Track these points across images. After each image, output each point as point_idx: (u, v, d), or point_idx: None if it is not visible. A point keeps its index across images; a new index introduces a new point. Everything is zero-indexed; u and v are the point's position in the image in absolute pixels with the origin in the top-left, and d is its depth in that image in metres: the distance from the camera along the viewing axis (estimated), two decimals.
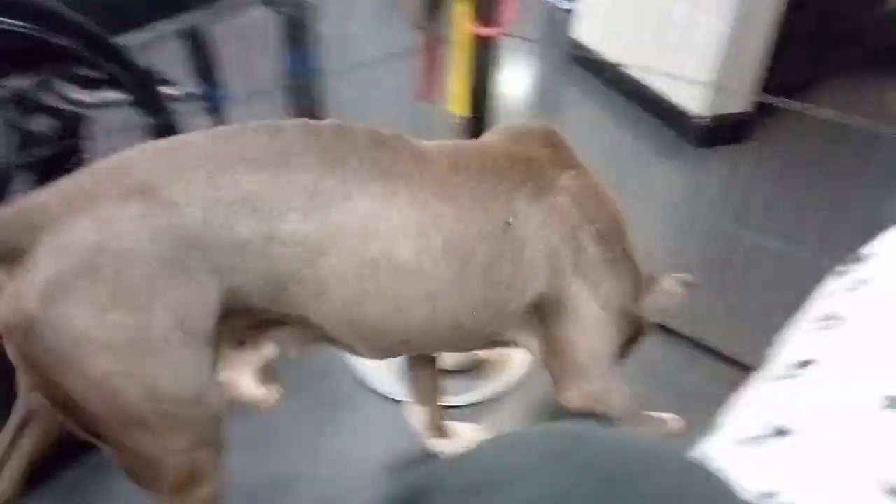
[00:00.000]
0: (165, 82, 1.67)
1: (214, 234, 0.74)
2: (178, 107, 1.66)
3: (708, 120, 2.40)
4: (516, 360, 1.51)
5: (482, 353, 1.48)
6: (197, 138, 0.79)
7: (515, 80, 1.60)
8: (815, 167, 2.02)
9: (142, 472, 0.79)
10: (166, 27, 1.33)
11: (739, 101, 2.43)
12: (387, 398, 1.41)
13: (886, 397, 0.58)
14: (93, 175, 0.75)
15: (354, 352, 0.93)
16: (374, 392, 1.42)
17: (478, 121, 1.70)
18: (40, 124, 1.20)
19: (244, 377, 0.86)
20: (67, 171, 0.76)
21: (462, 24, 1.45)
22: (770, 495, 0.51)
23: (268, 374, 0.87)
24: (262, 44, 1.44)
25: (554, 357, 1.02)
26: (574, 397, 1.02)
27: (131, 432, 0.75)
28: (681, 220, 1.44)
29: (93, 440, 0.77)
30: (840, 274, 0.86)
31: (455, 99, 1.54)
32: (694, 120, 2.41)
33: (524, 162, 0.96)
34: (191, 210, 0.73)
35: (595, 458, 0.32)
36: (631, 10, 2.62)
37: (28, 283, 0.69)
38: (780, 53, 2.36)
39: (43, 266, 0.69)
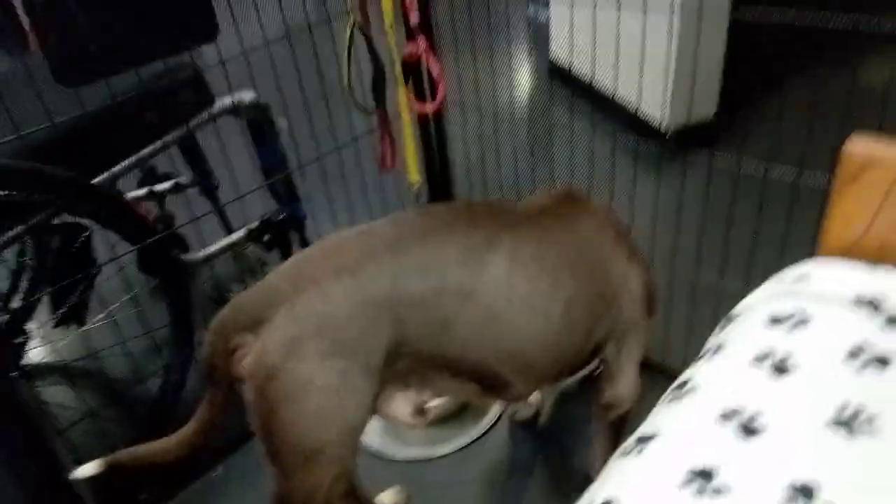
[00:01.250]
0: (167, 176, 1.87)
1: (399, 295, 0.97)
2: (180, 196, 1.87)
3: (672, 130, 2.50)
4: (491, 411, 1.65)
5: (461, 404, 1.63)
6: (377, 227, 1.05)
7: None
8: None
9: (296, 500, 0.99)
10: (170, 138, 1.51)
11: (700, 111, 2.53)
12: (374, 455, 1.57)
13: (689, 471, 0.71)
14: (309, 262, 0.99)
15: (508, 387, 1.13)
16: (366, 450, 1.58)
17: (432, 185, 1.85)
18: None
19: (403, 412, 1.10)
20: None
21: (404, 104, 1.60)
22: None
23: (421, 409, 1.12)
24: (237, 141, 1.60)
25: (607, 366, 1.24)
26: (611, 396, 1.24)
27: (310, 461, 0.96)
28: (642, 227, 1.53)
29: (273, 465, 0.98)
30: (716, 334, 0.99)
31: (410, 168, 1.68)
32: (660, 130, 2.51)
33: (573, 198, 1.22)
34: (383, 281, 0.97)
35: None
36: (594, 25, 2.73)
37: (272, 342, 0.92)
38: (734, 63, 2.44)
39: (283, 329, 0.92)
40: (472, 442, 1.59)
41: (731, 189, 1.33)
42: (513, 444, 1.59)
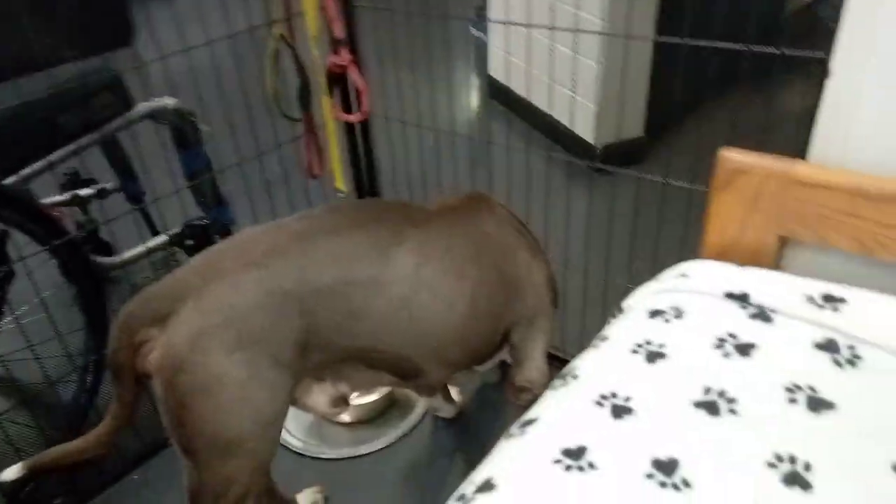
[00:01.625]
0: (91, 181, 1.86)
1: (306, 287, 1.00)
2: (105, 201, 1.86)
3: (601, 147, 2.60)
4: (417, 408, 1.68)
5: (386, 403, 1.66)
6: (287, 222, 1.08)
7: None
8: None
9: (212, 489, 1.00)
10: (85, 141, 1.50)
11: (627, 129, 2.65)
12: (292, 451, 1.58)
13: (562, 450, 0.76)
14: (218, 255, 1.00)
15: (420, 373, 1.18)
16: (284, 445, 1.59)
17: (359, 192, 1.89)
18: None
19: (321, 402, 1.14)
20: None
21: (328, 114, 1.63)
22: None
23: (339, 400, 1.16)
24: (157, 146, 1.61)
25: (516, 352, 1.32)
26: (522, 379, 1.33)
27: (224, 454, 0.98)
28: (573, 238, 1.60)
29: (186, 459, 0.99)
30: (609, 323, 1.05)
31: (337, 176, 1.72)
32: (590, 147, 2.61)
33: (474, 200, 1.30)
34: (291, 272, 0.99)
35: None
36: (526, 47, 2.83)
37: (178, 335, 0.93)
38: (658, 81, 2.57)
39: (189, 322, 0.93)
40: (397, 440, 1.62)
41: (656, 200, 1.40)
42: (437, 441, 1.63)
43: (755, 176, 0.99)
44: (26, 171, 1.37)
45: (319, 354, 1.05)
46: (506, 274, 1.23)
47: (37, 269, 1.34)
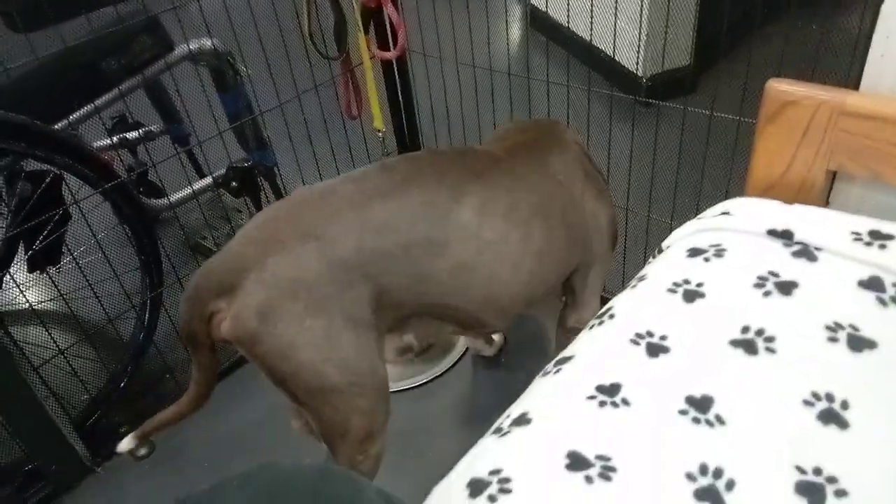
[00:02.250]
0: (138, 125, 1.90)
1: (366, 253, 0.99)
2: (153, 144, 1.90)
3: (646, 77, 2.52)
4: (458, 345, 1.71)
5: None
6: (339, 187, 1.05)
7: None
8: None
9: (334, 430, 1.04)
10: (127, 85, 1.53)
11: (673, 58, 2.54)
12: None
13: (596, 386, 0.77)
14: (274, 224, 1.00)
15: (485, 326, 1.18)
16: None
17: (399, 131, 1.88)
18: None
19: (388, 352, 1.14)
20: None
21: (365, 51, 1.62)
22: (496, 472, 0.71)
23: (406, 349, 1.18)
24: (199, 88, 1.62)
25: (573, 295, 1.31)
26: (575, 321, 1.33)
27: (330, 400, 1.00)
28: (615, 173, 1.57)
29: (299, 406, 1.03)
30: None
31: (375, 116, 1.71)
32: (636, 78, 2.53)
33: (545, 134, 1.25)
34: (348, 241, 0.99)
35: (270, 485, 0.52)
36: None
37: (246, 308, 0.95)
38: (706, 6, 2.44)
39: (255, 294, 0.95)
40: (437, 376, 1.67)
41: (705, 133, 1.36)
42: (476, 378, 1.67)
43: (805, 107, 0.95)
44: (74, 116, 1.41)
45: (393, 311, 1.05)
46: (573, 225, 1.20)
47: (90, 211, 1.39)
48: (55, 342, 1.42)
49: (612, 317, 0.89)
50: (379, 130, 1.73)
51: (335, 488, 0.51)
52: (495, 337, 1.67)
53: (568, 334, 1.34)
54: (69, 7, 1.18)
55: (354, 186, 1.04)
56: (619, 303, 0.92)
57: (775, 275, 0.87)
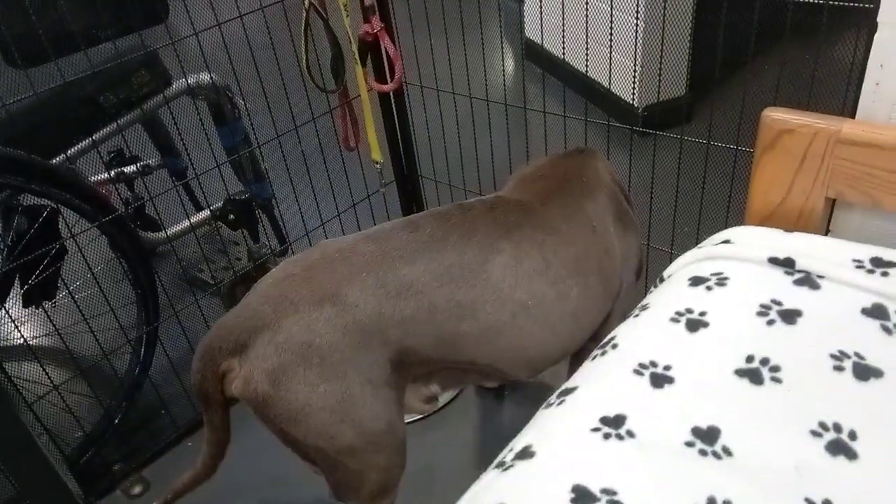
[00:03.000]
0: (136, 158, 1.90)
1: (386, 319, 0.95)
2: (149, 177, 1.90)
3: (641, 108, 2.54)
4: None
5: None
6: (361, 246, 1.00)
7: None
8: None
9: (348, 486, 1.02)
10: (126, 119, 1.54)
11: (671, 89, 2.57)
12: None
13: (600, 418, 0.76)
14: (291, 283, 0.96)
15: (509, 377, 1.15)
16: None
17: (396, 162, 1.89)
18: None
19: (413, 401, 1.10)
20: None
21: (362, 84, 1.63)
22: None
23: (430, 398, 1.13)
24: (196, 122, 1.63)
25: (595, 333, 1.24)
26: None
27: (344, 459, 0.98)
28: None
29: (311, 466, 1.01)
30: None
31: (373, 147, 1.72)
32: (633, 109, 2.55)
33: (577, 172, 1.18)
34: (367, 307, 0.95)
35: None
36: (561, 5, 2.76)
37: (258, 370, 0.92)
38: (701, 37, 2.48)
39: (267, 358, 0.92)
40: (441, 408, 1.65)
41: (702, 162, 1.36)
42: (479, 410, 1.65)
43: (801, 135, 0.95)
44: (72, 150, 1.41)
45: (417, 368, 1.02)
46: (608, 276, 1.14)
47: (87, 245, 1.38)
48: (49, 378, 1.41)
49: (614, 347, 0.88)
50: (377, 162, 1.74)
51: None
52: None
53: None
54: (68, 43, 1.19)
55: (376, 246, 0.99)
56: (622, 332, 0.91)
57: (778, 303, 0.86)
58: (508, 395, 1.66)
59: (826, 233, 1.02)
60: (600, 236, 1.13)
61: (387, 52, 1.62)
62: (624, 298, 1.25)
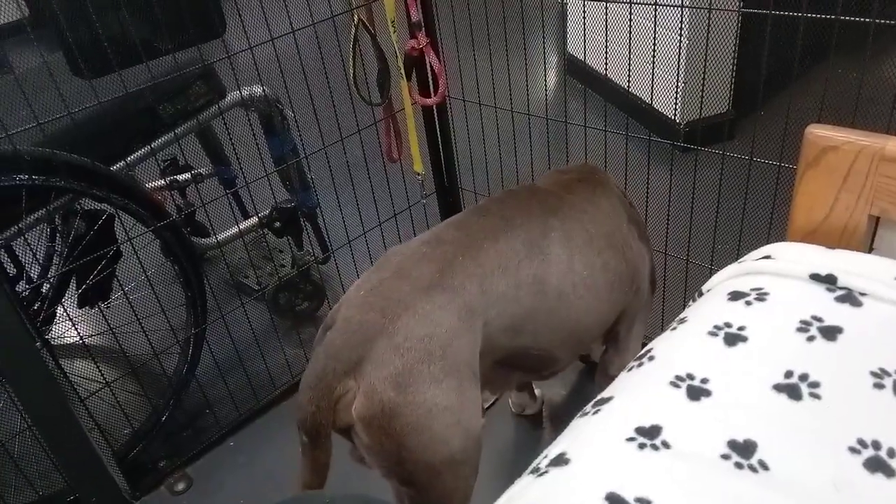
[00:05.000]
0: (188, 167, 1.98)
1: (487, 297, 0.98)
2: (201, 185, 1.97)
3: (683, 124, 2.53)
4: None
5: None
6: (443, 234, 1.03)
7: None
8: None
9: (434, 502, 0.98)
10: (182, 129, 1.61)
11: (714, 105, 2.55)
12: None
13: (636, 428, 0.77)
14: (388, 286, 0.95)
15: (555, 365, 1.18)
16: None
17: (437, 174, 1.92)
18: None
19: None
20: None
21: (407, 98, 1.67)
22: None
23: (483, 408, 1.13)
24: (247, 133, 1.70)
25: (618, 341, 1.30)
26: (616, 369, 1.28)
27: (444, 472, 0.95)
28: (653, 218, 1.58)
29: (407, 487, 0.97)
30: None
31: (415, 160, 1.75)
32: (672, 124, 2.54)
33: (588, 176, 1.26)
34: (472, 287, 0.96)
35: None
36: (604, 24, 2.77)
37: (380, 379, 0.88)
38: (746, 54, 2.46)
39: (388, 363, 0.88)
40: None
41: (743, 179, 1.36)
42: (515, 426, 1.65)
43: (845, 153, 0.95)
44: (131, 157, 1.48)
45: (485, 359, 1.02)
46: (629, 259, 1.20)
47: (140, 249, 1.44)
48: (103, 375, 1.47)
49: (651, 359, 0.89)
50: (419, 173, 1.77)
51: None
52: (537, 392, 1.65)
53: (610, 381, 1.31)
54: (131, 55, 1.25)
55: (460, 232, 1.02)
56: (659, 345, 0.91)
57: (819, 319, 0.86)
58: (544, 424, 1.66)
59: (869, 251, 1.01)
60: (620, 228, 1.21)
61: (431, 67, 1.66)
62: (643, 308, 1.28)
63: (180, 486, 1.60)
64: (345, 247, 1.81)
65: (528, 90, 1.68)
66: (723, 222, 1.49)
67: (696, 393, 0.80)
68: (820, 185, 0.99)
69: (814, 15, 1.12)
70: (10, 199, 1.25)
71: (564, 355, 1.17)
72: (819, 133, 0.97)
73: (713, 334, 0.88)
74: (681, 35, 2.38)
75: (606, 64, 1.63)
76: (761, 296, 0.92)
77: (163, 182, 1.90)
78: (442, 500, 0.98)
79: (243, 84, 1.66)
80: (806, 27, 1.16)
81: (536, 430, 1.64)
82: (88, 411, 1.43)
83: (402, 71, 1.64)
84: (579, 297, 1.08)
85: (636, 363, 0.92)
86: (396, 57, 1.63)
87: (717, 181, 1.41)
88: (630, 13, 1.53)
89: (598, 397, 0.87)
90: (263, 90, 1.70)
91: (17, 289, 1.64)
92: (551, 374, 1.23)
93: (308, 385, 0.92)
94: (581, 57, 3.08)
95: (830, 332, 0.84)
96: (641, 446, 0.75)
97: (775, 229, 1.31)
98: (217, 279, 2.17)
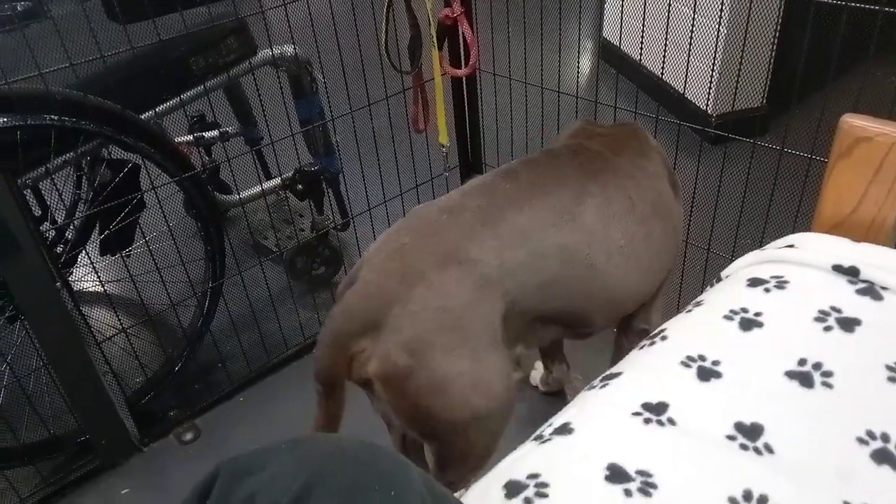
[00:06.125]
0: (216, 125, 1.99)
1: (505, 269, 0.97)
2: (226, 144, 1.99)
3: (715, 116, 2.49)
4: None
5: None
6: (466, 201, 1.02)
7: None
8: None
9: (459, 459, 1.01)
10: (213, 83, 1.61)
11: (747, 99, 2.51)
12: None
13: (642, 404, 0.76)
14: (408, 251, 0.96)
15: (594, 326, 1.16)
16: None
17: (462, 147, 1.91)
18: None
19: None
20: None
21: (438, 68, 1.66)
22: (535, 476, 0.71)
23: (515, 364, 1.14)
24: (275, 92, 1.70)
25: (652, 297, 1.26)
26: (643, 322, 1.26)
27: (467, 430, 0.96)
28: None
29: (429, 441, 1.01)
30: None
31: (441, 130, 1.75)
32: (703, 115, 2.51)
33: (632, 135, 1.22)
34: (489, 259, 0.96)
35: (316, 456, 0.53)
36: (642, 12, 2.72)
37: (395, 344, 0.91)
38: (785, 48, 2.41)
39: (403, 330, 0.91)
40: None
41: (771, 174, 1.34)
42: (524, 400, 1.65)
43: (879, 144, 0.93)
44: (160, 108, 1.48)
45: (515, 322, 1.03)
46: (675, 224, 1.19)
47: (164, 201, 1.46)
48: (120, 321, 1.49)
49: (664, 338, 0.88)
50: (443, 145, 1.77)
51: (384, 462, 0.52)
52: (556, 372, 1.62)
53: (634, 338, 1.26)
54: (167, 3, 1.26)
55: (483, 199, 1.01)
56: (672, 325, 0.91)
57: (838, 310, 0.85)
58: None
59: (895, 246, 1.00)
60: (663, 187, 1.18)
61: (464, 37, 1.64)
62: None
63: (188, 436, 1.63)
64: (364, 214, 1.81)
65: (559, 70, 1.66)
66: (747, 216, 1.47)
67: (707, 374, 0.80)
68: (850, 177, 0.97)
69: (857, 4, 1.10)
70: (39, 138, 1.26)
71: (601, 320, 1.16)
72: (853, 122, 0.95)
73: (729, 318, 0.87)
74: (719, 24, 2.33)
75: (642, 49, 1.60)
76: (781, 283, 0.91)
77: (189, 137, 1.91)
78: (463, 451, 1.00)
79: (275, 43, 1.65)
80: (847, 21, 1.13)
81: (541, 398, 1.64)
82: (104, 355, 1.45)
83: (435, 39, 1.63)
84: (616, 265, 1.06)
85: (648, 342, 0.91)
86: (430, 24, 1.61)
87: (743, 175, 1.39)
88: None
89: (607, 372, 0.87)
90: (295, 50, 1.69)
91: (41, 229, 1.66)
92: (588, 334, 1.21)
93: (324, 341, 0.96)
94: (616, 42, 3.04)
95: (848, 324, 0.83)
96: (647, 421, 0.75)
97: (801, 225, 1.29)
98: (237, 240, 2.18)
